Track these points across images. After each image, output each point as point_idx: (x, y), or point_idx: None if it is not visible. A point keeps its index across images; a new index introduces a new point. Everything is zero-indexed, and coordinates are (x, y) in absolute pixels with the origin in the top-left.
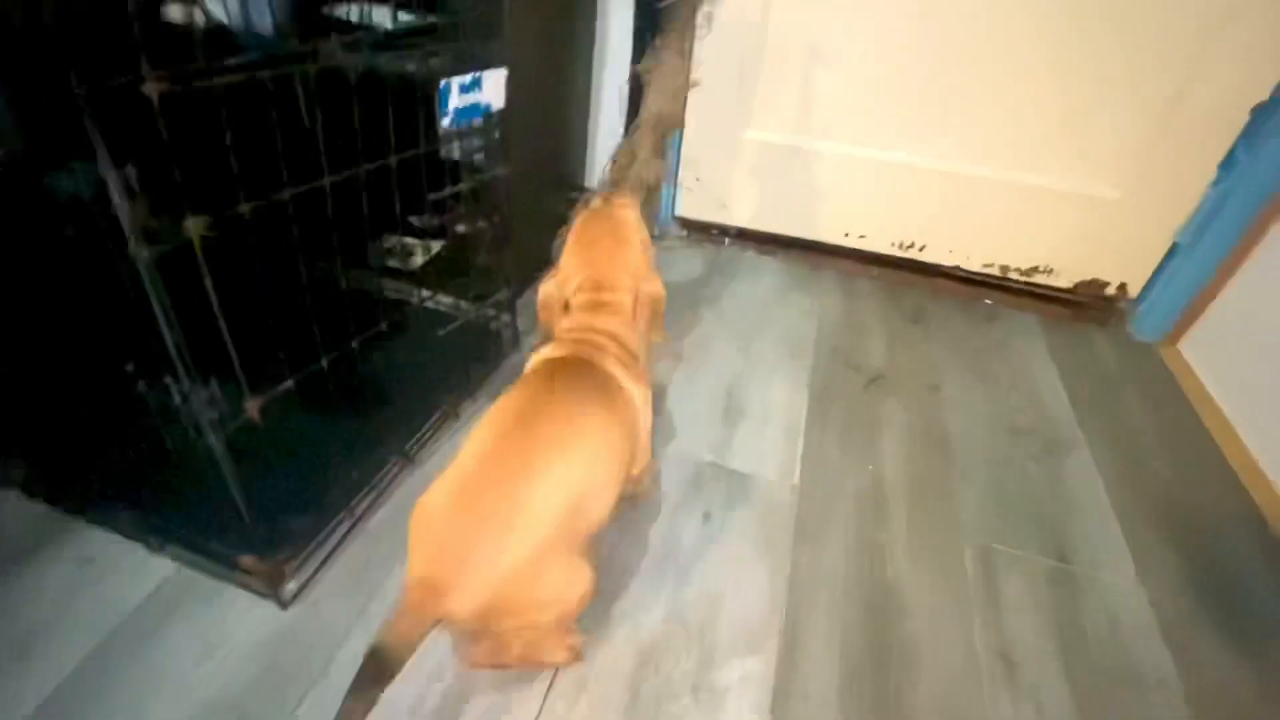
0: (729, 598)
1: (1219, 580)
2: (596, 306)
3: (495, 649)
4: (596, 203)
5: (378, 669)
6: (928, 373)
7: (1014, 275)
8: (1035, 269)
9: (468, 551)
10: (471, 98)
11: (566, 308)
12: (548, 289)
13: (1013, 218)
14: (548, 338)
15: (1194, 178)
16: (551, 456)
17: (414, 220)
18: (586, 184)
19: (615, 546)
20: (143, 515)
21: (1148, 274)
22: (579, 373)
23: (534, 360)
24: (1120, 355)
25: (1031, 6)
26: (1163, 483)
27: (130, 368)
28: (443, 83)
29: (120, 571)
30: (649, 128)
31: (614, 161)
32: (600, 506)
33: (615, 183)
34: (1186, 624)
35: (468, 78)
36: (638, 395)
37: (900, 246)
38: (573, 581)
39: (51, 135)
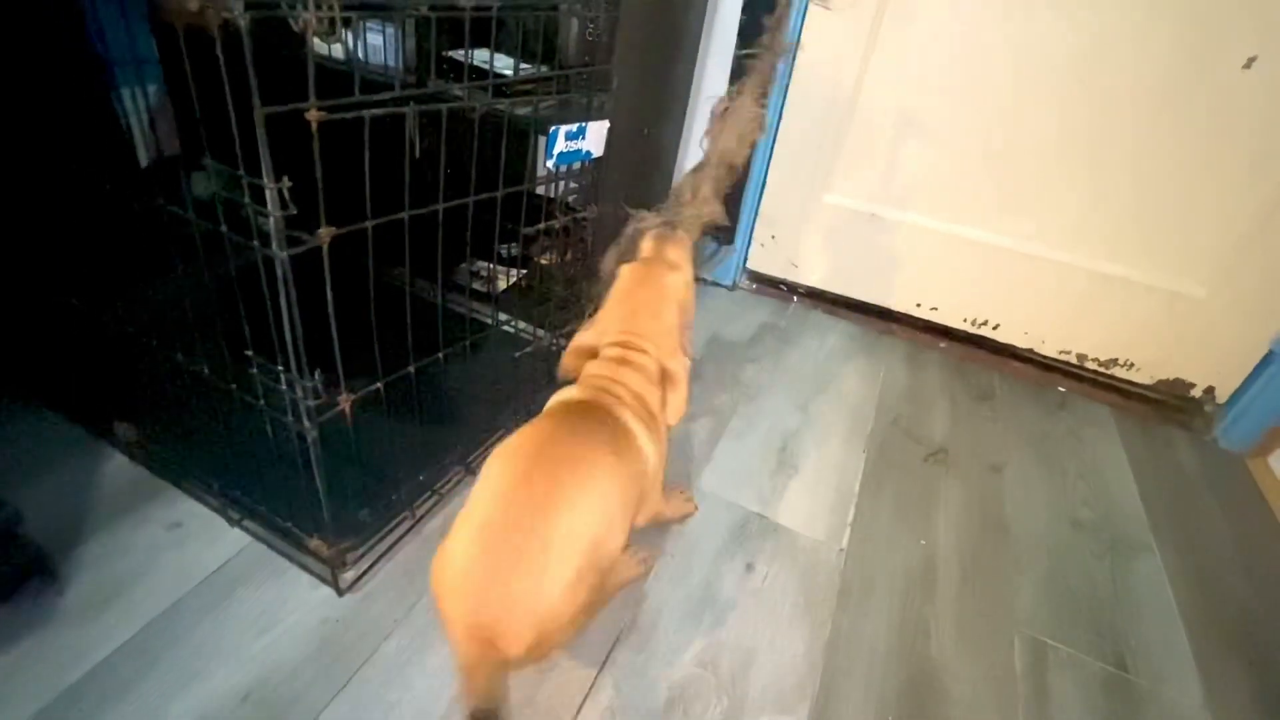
0: (764, 652)
1: None
2: (624, 362)
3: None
4: (648, 244)
5: None
6: (991, 453)
7: (1091, 365)
8: (1114, 361)
9: (510, 596)
10: (576, 144)
11: (594, 355)
12: (583, 338)
13: (1093, 306)
14: (566, 381)
15: None
16: (573, 496)
17: (502, 249)
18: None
19: (654, 581)
20: (228, 490)
21: (1239, 380)
22: (596, 418)
23: (554, 400)
24: (1202, 460)
25: (1130, 94)
26: (1239, 600)
27: (250, 352)
28: (552, 128)
29: (201, 539)
30: (712, 167)
31: (675, 197)
32: (613, 543)
33: (670, 222)
34: None
35: (574, 126)
36: (651, 450)
37: (973, 323)
38: (598, 602)
39: (198, 144)
